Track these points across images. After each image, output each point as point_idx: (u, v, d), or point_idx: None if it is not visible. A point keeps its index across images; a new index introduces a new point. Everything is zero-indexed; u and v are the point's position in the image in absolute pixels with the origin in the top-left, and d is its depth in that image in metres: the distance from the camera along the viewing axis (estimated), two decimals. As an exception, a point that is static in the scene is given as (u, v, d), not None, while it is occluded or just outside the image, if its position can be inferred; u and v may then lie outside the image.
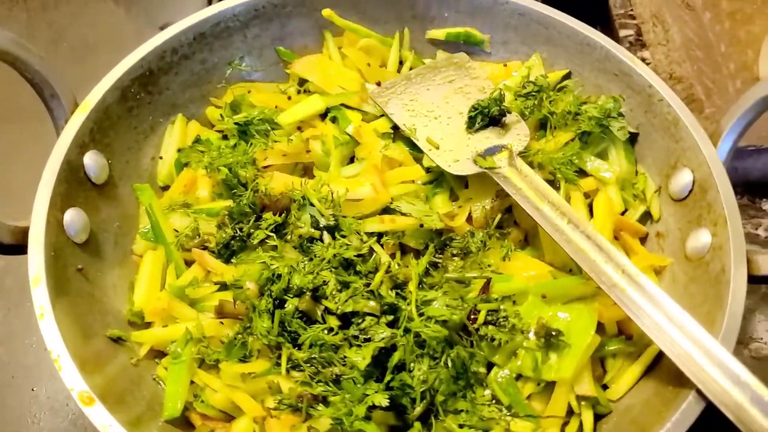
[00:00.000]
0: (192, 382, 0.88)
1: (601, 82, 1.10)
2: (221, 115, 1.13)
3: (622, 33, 1.21)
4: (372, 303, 0.88)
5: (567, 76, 1.14)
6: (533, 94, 1.10)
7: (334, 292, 0.89)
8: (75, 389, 0.75)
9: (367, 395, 0.83)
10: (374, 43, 1.22)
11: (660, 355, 0.89)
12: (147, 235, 1.02)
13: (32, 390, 1.11)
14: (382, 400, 0.82)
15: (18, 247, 0.87)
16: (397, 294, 0.90)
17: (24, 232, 0.87)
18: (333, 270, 0.91)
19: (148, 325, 0.95)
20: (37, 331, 1.13)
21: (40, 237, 0.85)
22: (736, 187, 0.91)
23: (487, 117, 1.06)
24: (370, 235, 0.96)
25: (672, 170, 1.00)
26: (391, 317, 0.88)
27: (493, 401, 0.87)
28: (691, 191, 0.96)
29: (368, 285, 0.90)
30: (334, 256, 0.92)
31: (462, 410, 0.86)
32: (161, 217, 1.02)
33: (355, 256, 0.92)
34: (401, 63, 1.23)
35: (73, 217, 0.91)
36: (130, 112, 1.05)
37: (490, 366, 0.90)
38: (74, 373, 0.76)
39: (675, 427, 0.73)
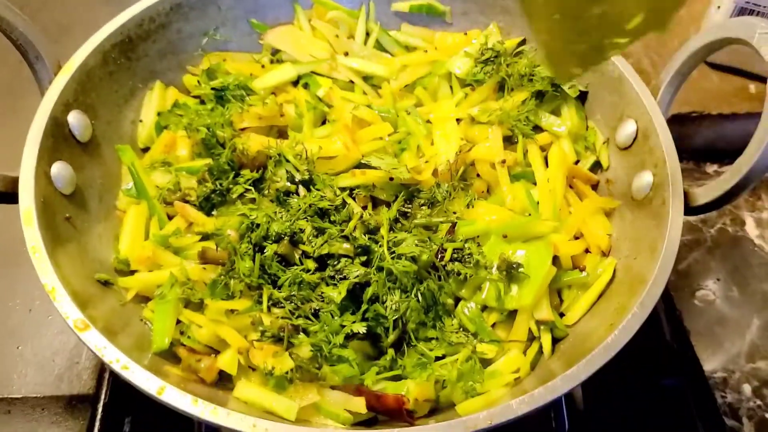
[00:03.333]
0: (178, 322, 0.93)
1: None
2: (198, 81, 1.19)
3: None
4: (346, 245, 0.95)
5: (522, 43, 1.23)
6: (491, 59, 1.18)
7: (310, 238, 0.96)
8: (70, 317, 0.80)
9: (344, 326, 0.90)
10: (342, 15, 1.29)
11: (609, 284, 0.98)
12: (130, 192, 1.07)
13: (17, 348, 1.15)
14: (360, 327, 0.89)
15: (8, 195, 0.91)
16: (369, 238, 0.97)
17: (14, 181, 0.91)
18: (309, 219, 0.97)
19: (134, 272, 1.00)
20: (21, 293, 1.20)
21: (30, 184, 0.89)
22: (681, 153, 0.98)
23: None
24: (342, 190, 1.03)
25: (618, 122, 1.09)
26: (364, 258, 0.95)
27: (461, 329, 0.95)
28: (635, 139, 1.05)
29: (342, 231, 0.97)
30: (310, 206, 0.98)
31: (432, 338, 0.94)
32: (143, 173, 1.08)
33: (329, 206, 0.99)
34: (368, 35, 1.30)
35: (59, 169, 0.96)
36: (111, 76, 1.09)
37: (457, 300, 0.97)
38: (68, 301, 0.81)
39: (621, 335, 0.80)
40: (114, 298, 0.96)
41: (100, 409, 1.08)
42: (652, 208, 0.96)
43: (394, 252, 0.94)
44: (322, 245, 0.95)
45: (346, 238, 0.96)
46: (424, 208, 1.05)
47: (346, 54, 1.26)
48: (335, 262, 0.95)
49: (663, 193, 0.95)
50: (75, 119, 1.01)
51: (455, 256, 0.96)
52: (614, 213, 1.06)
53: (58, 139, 0.98)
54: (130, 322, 0.94)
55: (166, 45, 1.18)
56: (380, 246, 0.95)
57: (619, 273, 0.97)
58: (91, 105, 1.05)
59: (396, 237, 0.97)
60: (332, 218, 0.99)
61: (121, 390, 1.11)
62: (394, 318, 0.90)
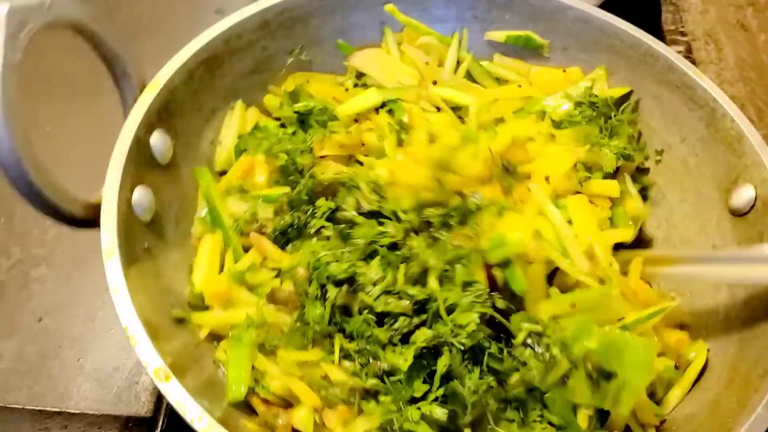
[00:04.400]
0: (252, 367, 0.88)
1: (662, 93, 1.10)
2: (281, 102, 1.14)
3: (672, 49, 1.22)
4: (403, 302, 0.86)
5: (629, 95, 1.15)
6: (595, 105, 1.10)
7: (369, 288, 0.87)
8: (150, 365, 0.75)
9: (416, 398, 0.82)
10: (433, 41, 1.22)
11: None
12: (204, 219, 1.02)
13: (78, 360, 1.11)
14: (439, 413, 0.81)
15: (88, 221, 0.87)
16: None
17: (95, 207, 0.87)
18: (368, 260, 0.89)
19: (207, 307, 0.95)
20: (84, 302, 1.16)
21: (112, 213, 0.84)
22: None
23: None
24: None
25: (732, 185, 1.00)
26: (424, 316, 0.86)
27: (543, 419, 0.86)
28: (753, 207, 0.96)
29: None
30: (370, 243, 0.90)
31: (512, 420, 0.86)
32: (219, 201, 1.03)
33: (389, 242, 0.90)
34: (458, 63, 1.23)
35: (141, 195, 0.91)
36: (195, 94, 1.04)
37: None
38: (149, 348, 0.76)
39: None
40: (188, 335, 0.91)
41: None
42: (772, 289, 0.88)
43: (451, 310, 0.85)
44: (377, 298, 0.86)
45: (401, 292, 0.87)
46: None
47: (435, 83, 1.19)
48: (392, 321, 0.86)
49: (786, 273, 0.86)
50: (158, 140, 0.96)
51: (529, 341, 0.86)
52: (723, 288, 0.97)
53: (140, 163, 0.93)
54: (203, 363, 0.89)
55: (251, 63, 1.13)
56: (434, 301, 0.86)
57: (735, 356, 0.89)
58: (173, 125, 1.00)
59: (447, 298, 0.86)
60: (389, 258, 0.89)
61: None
62: (473, 400, 0.83)
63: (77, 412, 1.06)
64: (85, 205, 0.87)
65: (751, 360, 0.85)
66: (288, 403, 0.87)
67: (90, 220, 0.87)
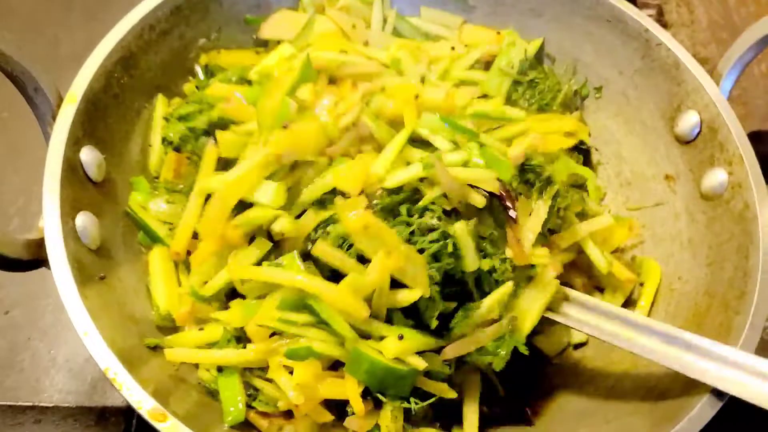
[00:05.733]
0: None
1: (592, 29, 1.10)
2: (196, 85, 1.06)
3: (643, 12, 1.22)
4: None
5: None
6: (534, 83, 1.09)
7: None
8: (144, 407, 0.70)
9: None
10: (354, 1, 1.16)
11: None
12: (144, 238, 0.95)
13: (49, 352, 1.04)
14: None
15: (35, 261, 0.78)
16: None
17: (38, 245, 0.78)
18: None
19: (177, 328, 0.89)
20: (53, 293, 1.05)
21: (59, 248, 0.77)
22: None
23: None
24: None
25: (676, 113, 1.02)
26: None
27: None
28: (699, 132, 0.99)
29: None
30: None
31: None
32: (146, 216, 0.95)
33: None
34: (385, 22, 1.18)
35: (84, 221, 0.83)
36: (116, 99, 0.95)
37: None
38: (138, 390, 0.70)
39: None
40: (163, 359, 0.85)
41: (134, 423, 1.00)
42: (732, 210, 0.91)
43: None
44: None
45: None
46: None
47: (366, 44, 1.14)
48: None
49: (744, 195, 0.90)
50: (88, 157, 0.88)
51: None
52: (682, 213, 1.00)
53: (75, 186, 0.84)
54: (188, 388, 0.84)
55: (168, 54, 1.04)
56: None
57: (706, 280, 0.92)
58: (101, 137, 0.91)
59: None
60: None
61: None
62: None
63: (50, 405, 1.01)
64: (26, 245, 0.78)
65: (726, 282, 0.88)
66: (288, 413, 0.84)
67: (35, 260, 0.78)
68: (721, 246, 0.92)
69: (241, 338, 0.85)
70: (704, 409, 0.76)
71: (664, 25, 1.40)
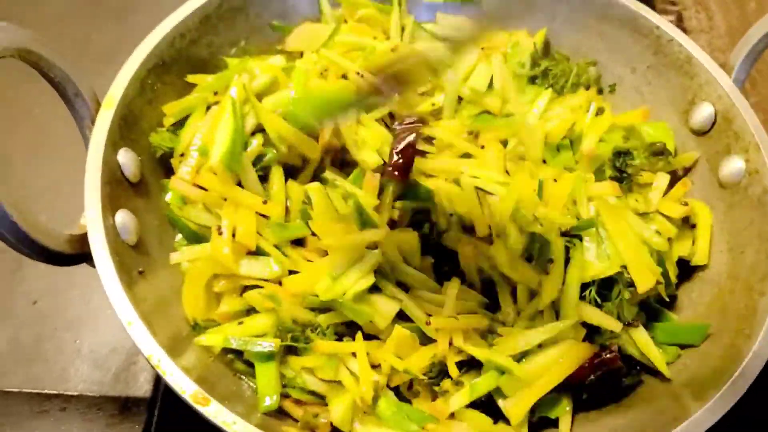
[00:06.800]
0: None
1: (605, 29, 1.14)
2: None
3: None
4: None
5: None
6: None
7: None
8: (186, 392, 0.72)
9: None
10: (372, 12, 1.20)
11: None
12: (182, 242, 0.97)
13: (75, 342, 1.07)
14: None
15: (76, 256, 0.82)
16: None
17: (80, 240, 0.82)
18: None
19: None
20: (79, 284, 1.12)
21: (102, 243, 0.80)
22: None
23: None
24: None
25: (690, 106, 1.05)
26: None
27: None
28: (714, 123, 1.02)
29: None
30: None
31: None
32: (183, 212, 0.96)
33: None
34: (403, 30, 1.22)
35: (123, 219, 0.86)
36: (150, 104, 0.99)
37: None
38: (180, 375, 0.73)
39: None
40: (200, 349, 0.87)
41: (156, 414, 1.02)
42: (750, 196, 0.94)
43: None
44: None
45: None
46: None
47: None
48: None
49: (762, 180, 0.92)
50: (125, 158, 0.91)
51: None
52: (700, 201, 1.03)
53: (114, 185, 0.88)
54: (224, 377, 0.86)
55: (198, 62, 1.08)
56: None
57: (728, 265, 0.94)
58: (136, 140, 0.95)
59: None
60: None
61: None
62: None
63: (75, 394, 1.03)
64: (69, 240, 0.81)
65: (748, 266, 0.90)
66: (321, 399, 0.86)
67: (77, 254, 0.82)
68: (741, 232, 0.94)
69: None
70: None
71: (684, 30, 1.42)
